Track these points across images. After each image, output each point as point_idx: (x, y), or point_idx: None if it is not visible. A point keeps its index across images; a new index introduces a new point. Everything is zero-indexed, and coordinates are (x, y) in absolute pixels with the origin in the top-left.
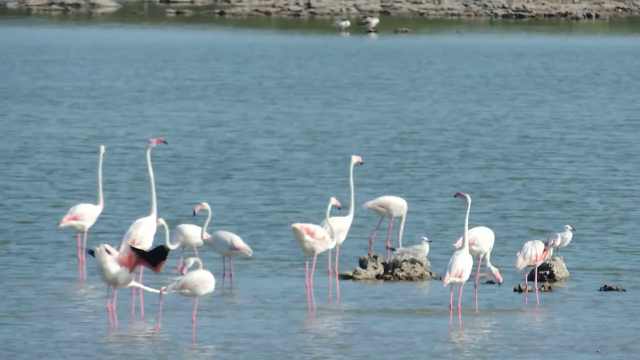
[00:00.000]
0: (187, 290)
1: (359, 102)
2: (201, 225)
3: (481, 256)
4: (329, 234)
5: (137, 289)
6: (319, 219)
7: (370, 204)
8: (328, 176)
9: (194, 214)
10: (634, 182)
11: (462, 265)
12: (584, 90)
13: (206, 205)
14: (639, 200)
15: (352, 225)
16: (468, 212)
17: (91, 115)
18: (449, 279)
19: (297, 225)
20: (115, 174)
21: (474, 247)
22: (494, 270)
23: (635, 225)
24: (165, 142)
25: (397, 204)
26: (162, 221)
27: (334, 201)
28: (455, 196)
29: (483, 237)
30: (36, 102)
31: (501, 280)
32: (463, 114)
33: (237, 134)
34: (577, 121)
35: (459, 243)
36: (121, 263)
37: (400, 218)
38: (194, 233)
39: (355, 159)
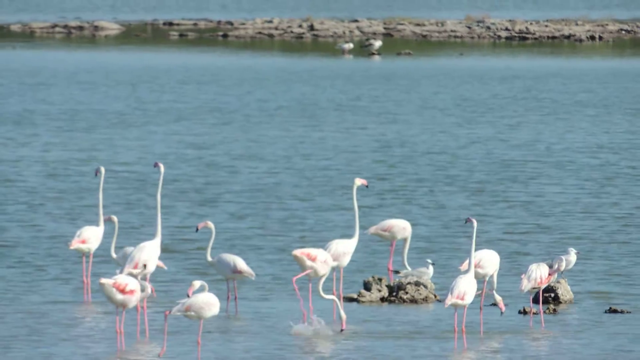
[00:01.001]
0: (193, 313)
1: (346, 124)
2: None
3: (487, 279)
4: (332, 255)
5: (142, 310)
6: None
7: (373, 229)
8: (316, 199)
9: (197, 230)
10: (618, 205)
11: (464, 287)
12: (575, 113)
13: (210, 224)
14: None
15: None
16: (474, 235)
17: (73, 137)
18: (450, 300)
19: (298, 253)
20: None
21: (479, 270)
22: (498, 299)
23: (635, 248)
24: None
25: (400, 226)
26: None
27: (359, 182)
28: (465, 222)
29: (489, 260)
30: (20, 124)
31: (503, 310)
32: (448, 135)
33: (222, 157)
34: (559, 143)
35: (464, 266)
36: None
37: (404, 240)
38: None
39: (358, 181)
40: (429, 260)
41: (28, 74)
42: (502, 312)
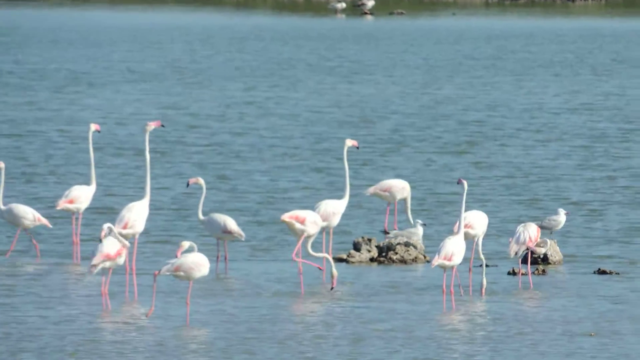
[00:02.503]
0: (182, 273)
1: (323, 86)
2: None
3: (475, 239)
4: (321, 215)
5: (131, 272)
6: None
7: (372, 190)
8: (309, 160)
9: (188, 185)
10: (604, 165)
11: (452, 248)
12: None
13: (201, 180)
14: (618, 186)
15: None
16: (465, 196)
17: (38, 97)
18: (437, 261)
19: (286, 217)
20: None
21: (469, 230)
22: (484, 284)
23: (620, 210)
24: (163, 126)
25: (399, 186)
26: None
27: (350, 142)
28: (457, 183)
29: (477, 221)
30: None
31: (484, 290)
32: (425, 95)
33: (205, 118)
34: (540, 104)
35: (457, 227)
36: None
37: (404, 200)
38: (23, 214)
39: (349, 142)
40: (419, 221)
41: (13, 32)
42: (482, 294)
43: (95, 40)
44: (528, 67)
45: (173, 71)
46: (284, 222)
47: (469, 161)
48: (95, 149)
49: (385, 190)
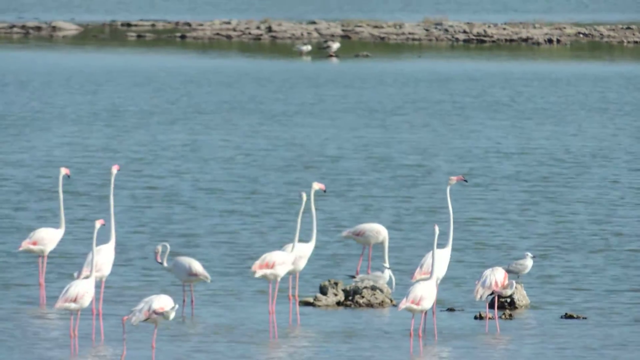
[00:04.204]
0: (154, 316)
1: (264, 127)
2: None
3: (438, 282)
4: (288, 255)
5: (97, 314)
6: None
7: (345, 233)
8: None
9: (157, 261)
10: (572, 211)
11: (421, 292)
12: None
13: (167, 248)
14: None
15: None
16: (435, 241)
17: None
18: (404, 304)
19: (257, 270)
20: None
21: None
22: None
23: (589, 254)
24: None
25: (374, 229)
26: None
27: (317, 185)
28: (465, 179)
29: (438, 264)
30: None
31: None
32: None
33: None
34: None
35: (415, 276)
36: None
37: (382, 244)
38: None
39: (317, 185)
40: (385, 265)
41: None
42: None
43: (31, 82)
44: (468, 109)
45: (108, 114)
46: (257, 275)
47: (414, 206)
48: (41, 192)
49: (358, 234)
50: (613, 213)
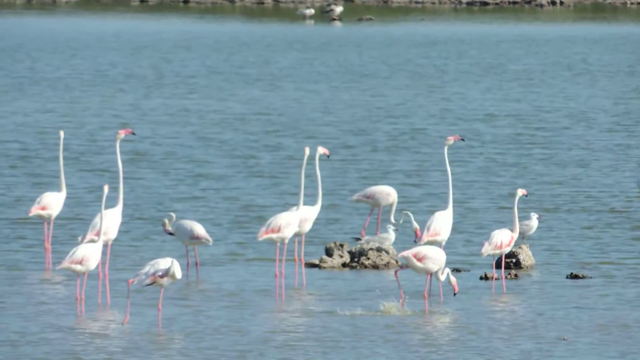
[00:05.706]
0: (163, 280)
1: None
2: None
3: (442, 244)
4: (294, 215)
5: (104, 278)
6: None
7: (356, 196)
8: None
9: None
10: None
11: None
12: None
13: (173, 218)
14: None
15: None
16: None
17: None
18: (426, 237)
19: (263, 237)
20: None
21: (437, 237)
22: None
23: (592, 214)
24: (133, 133)
25: (384, 192)
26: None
27: (321, 150)
28: (463, 139)
29: (443, 225)
30: None
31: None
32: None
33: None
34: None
35: (425, 236)
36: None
37: (390, 206)
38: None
39: (321, 150)
40: (391, 226)
41: None
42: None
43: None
44: (452, 72)
45: (101, 78)
46: (263, 240)
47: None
48: (37, 157)
49: (369, 197)
50: (618, 175)
